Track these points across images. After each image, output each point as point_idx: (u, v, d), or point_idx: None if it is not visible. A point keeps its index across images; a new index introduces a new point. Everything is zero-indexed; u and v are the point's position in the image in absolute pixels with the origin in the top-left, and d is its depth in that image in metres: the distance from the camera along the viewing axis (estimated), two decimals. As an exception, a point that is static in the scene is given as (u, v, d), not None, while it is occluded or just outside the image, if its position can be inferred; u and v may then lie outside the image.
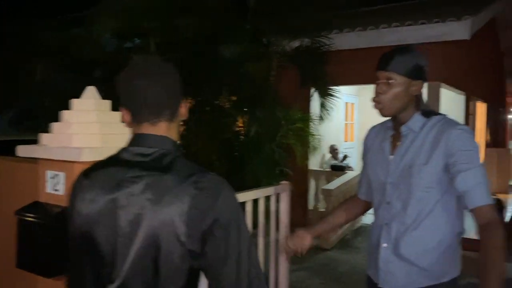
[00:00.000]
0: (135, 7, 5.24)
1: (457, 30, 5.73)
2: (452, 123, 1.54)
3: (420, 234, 1.53)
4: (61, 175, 1.95)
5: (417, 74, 1.52)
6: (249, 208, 2.56)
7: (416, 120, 1.56)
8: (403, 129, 1.58)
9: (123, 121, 1.14)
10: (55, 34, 6.20)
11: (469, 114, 7.86)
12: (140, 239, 0.98)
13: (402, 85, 1.51)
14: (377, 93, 1.55)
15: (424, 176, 1.50)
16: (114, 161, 1.08)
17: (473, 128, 8.39)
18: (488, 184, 1.45)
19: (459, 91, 7.32)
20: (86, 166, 1.16)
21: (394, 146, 1.62)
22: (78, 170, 1.18)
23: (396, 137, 1.62)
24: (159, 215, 0.97)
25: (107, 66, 6.73)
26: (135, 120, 1.08)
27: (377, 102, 1.56)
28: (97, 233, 1.03)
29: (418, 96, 1.57)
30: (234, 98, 6.15)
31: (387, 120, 1.68)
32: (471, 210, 1.45)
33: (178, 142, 1.11)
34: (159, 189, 0.99)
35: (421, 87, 1.56)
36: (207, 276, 1.03)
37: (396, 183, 1.57)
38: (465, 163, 1.44)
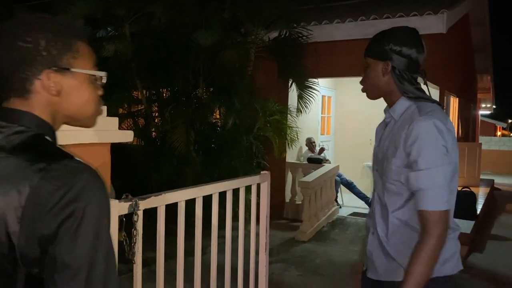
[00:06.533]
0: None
1: (433, 23, 5.80)
2: (420, 111, 1.41)
3: (402, 232, 1.46)
4: None
5: (384, 55, 1.48)
6: (229, 198, 2.49)
7: (400, 106, 1.49)
8: (386, 115, 1.56)
9: None
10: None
11: (443, 109, 8.00)
12: None
13: (375, 68, 1.51)
14: (362, 79, 1.58)
15: (393, 168, 1.43)
16: None
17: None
18: (444, 187, 1.33)
19: (433, 85, 7.42)
20: None
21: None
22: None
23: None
24: None
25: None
26: None
27: (362, 88, 1.59)
28: None
29: (399, 78, 1.48)
30: (211, 89, 6.03)
31: None
32: (418, 211, 1.36)
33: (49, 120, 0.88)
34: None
35: (388, 68, 1.47)
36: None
37: (377, 171, 1.56)
38: (420, 161, 1.33)
